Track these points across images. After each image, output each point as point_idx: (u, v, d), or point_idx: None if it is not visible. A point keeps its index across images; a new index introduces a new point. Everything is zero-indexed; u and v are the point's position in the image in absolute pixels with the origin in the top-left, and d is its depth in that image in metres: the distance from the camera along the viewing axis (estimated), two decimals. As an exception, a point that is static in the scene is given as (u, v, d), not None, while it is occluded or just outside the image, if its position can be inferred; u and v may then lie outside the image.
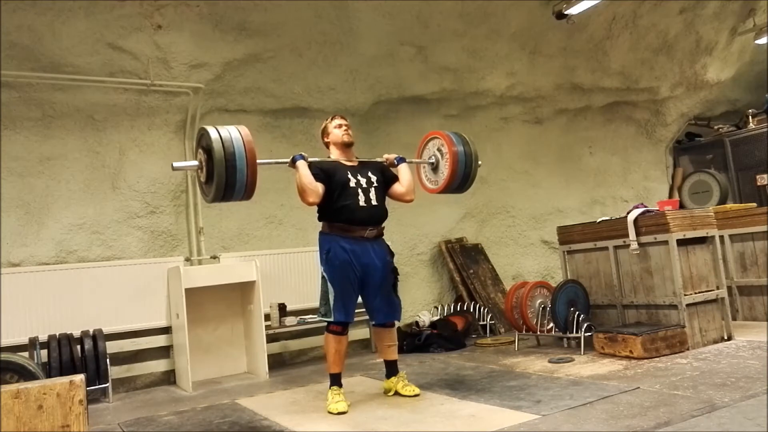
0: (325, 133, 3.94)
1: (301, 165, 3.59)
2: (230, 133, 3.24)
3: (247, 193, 3.28)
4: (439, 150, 4.03)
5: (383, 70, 5.98)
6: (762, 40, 7.31)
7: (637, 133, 8.17)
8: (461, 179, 3.98)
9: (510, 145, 7.18)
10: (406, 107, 6.42)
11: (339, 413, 3.47)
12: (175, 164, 3.47)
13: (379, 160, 3.95)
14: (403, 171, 3.91)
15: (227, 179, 3.18)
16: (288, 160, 3.63)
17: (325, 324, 3.74)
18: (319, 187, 3.60)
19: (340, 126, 3.87)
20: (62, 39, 4.67)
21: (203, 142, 3.30)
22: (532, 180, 7.33)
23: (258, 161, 3.26)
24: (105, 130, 5.10)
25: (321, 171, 3.66)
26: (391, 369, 3.89)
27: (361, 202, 3.68)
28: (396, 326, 3.94)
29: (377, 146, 6.34)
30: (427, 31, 5.87)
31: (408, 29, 5.77)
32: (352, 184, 3.70)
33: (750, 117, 8.03)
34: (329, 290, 3.65)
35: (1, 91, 4.66)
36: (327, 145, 3.94)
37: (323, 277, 3.70)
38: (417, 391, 3.75)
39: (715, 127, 8.40)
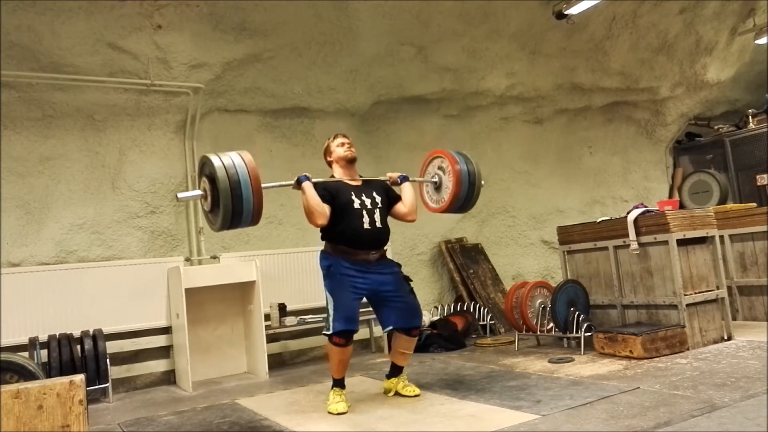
0: (327, 152, 3.89)
1: (308, 186, 3.54)
2: (233, 161, 3.17)
3: (254, 219, 3.25)
4: (441, 168, 4.01)
5: (383, 70, 5.98)
6: (762, 40, 7.31)
7: (637, 133, 8.17)
8: (465, 198, 3.96)
9: (510, 145, 7.18)
10: (406, 107, 6.42)
11: (339, 413, 3.48)
12: (180, 195, 3.42)
13: (382, 178, 3.91)
14: (407, 190, 3.86)
15: (234, 208, 3.13)
16: (293, 182, 3.58)
17: (328, 335, 3.67)
18: (327, 209, 3.57)
19: (342, 144, 3.82)
20: (62, 39, 4.67)
21: (206, 171, 3.24)
22: (532, 180, 7.33)
23: (263, 186, 3.22)
24: (105, 130, 5.10)
25: (326, 191, 3.63)
26: (395, 371, 3.87)
27: (366, 225, 3.63)
28: (417, 338, 3.83)
29: (377, 146, 6.36)
30: (427, 31, 5.87)
31: (408, 29, 5.77)
32: (357, 205, 3.65)
33: (750, 117, 8.03)
34: (329, 300, 3.62)
35: (1, 91, 4.66)
36: (330, 164, 3.90)
37: (325, 289, 3.67)
38: (417, 391, 3.75)
39: (715, 127, 8.39)
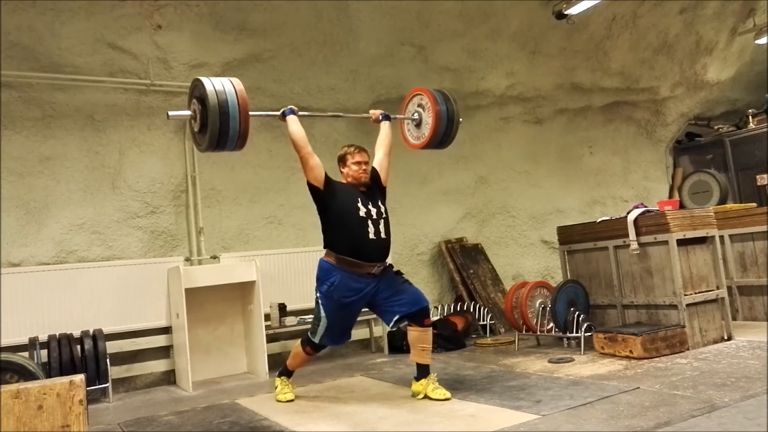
0: (342, 161, 3.85)
1: (291, 120, 3.70)
2: (224, 85, 3.35)
3: (240, 141, 3.39)
4: (421, 106, 4.11)
5: (383, 70, 5.98)
6: (762, 40, 7.31)
7: (637, 133, 8.17)
8: (443, 136, 4.06)
9: (510, 145, 7.18)
10: (406, 107, 6.42)
11: (288, 401, 3.82)
12: (171, 113, 3.56)
13: (365, 115, 4.11)
14: (385, 129, 4.00)
15: (221, 126, 3.29)
16: (278, 113, 3.76)
17: (306, 338, 3.82)
18: (310, 150, 3.66)
19: (359, 164, 3.78)
20: (62, 39, 4.67)
21: (197, 92, 3.40)
22: (532, 180, 7.33)
23: (251, 113, 3.40)
24: (105, 130, 5.10)
25: (330, 178, 3.69)
26: (421, 372, 3.72)
27: (371, 234, 3.62)
28: (431, 328, 3.74)
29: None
30: (427, 31, 5.87)
31: (408, 29, 5.77)
32: (362, 213, 3.64)
33: (750, 117, 8.04)
34: (321, 317, 3.67)
35: (1, 91, 4.66)
36: (341, 171, 3.88)
37: (317, 301, 3.70)
38: (448, 395, 3.56)
39: (715, 127, 8.40)
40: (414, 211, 6.48)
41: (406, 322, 3.75)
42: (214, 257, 5.33)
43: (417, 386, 3.70)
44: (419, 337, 3.69)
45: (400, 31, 5.75)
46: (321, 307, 3.66)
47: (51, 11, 4.53)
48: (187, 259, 5.26)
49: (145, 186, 5.21)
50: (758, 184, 7.66)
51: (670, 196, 8.16)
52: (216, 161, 5.55)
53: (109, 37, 4.80)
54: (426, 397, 3.61)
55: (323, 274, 3.66)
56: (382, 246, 3.69)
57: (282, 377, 3.96)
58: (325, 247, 3.74)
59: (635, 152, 8.16)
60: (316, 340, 3.72)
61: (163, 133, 5.31)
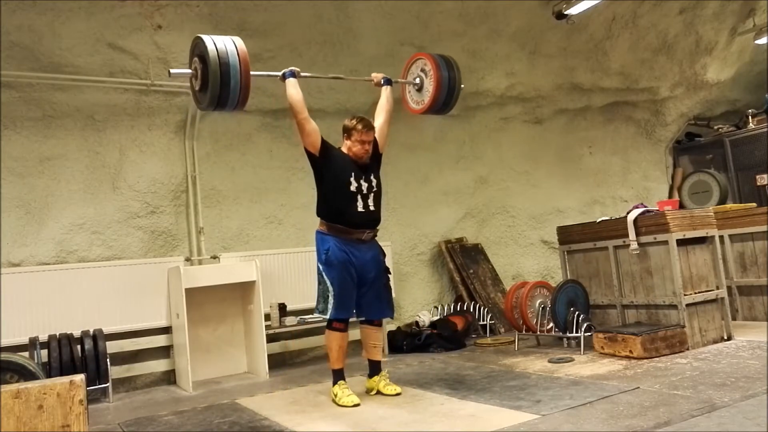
0: (347, 132, 3.84)
1: (289, 84, 3.70)
2: (224, 41, 3.38)
3: (242, 98, 3.39)
4: (423, 71, 4.11)
5: (383, 71, 5.94)
6: (762, 40, 7.31)
7: (636, 133, 8.17)
8: (443, 103, 4.09)
9: (510, 145, 7.19)
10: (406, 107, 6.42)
11: (354, 405, 3.56)
12: (173, 71, 3.58)
13: (366, 79, 4.09)
14: (386, 93, 4.01)
15: (222, 78, 3.29)
16: (279, 73, 3.75)
17: (327, 322, 3.79)
18: (307, 114, 3.69)
19: (363, 143, 3.79)
20: (62, 39, 4.67)
21: (197, 50, 3.40)
22: (532, 180, 7.33)
23: (252, 73, 3.43)
24: (105, 130, 5.10)
25: (327, 145, 3.75)
26: (374, 369, 3.94)
27: (359, 208, 3.73)
28: (382, 326, 3.99)
29: (377, 146, 6.35)
30: (427, 31, 5.87)
31: (408, 29, 5.77)
32: (353, 188, 3.73)
33: (750, 117, 8.03)
34: (328, 288, 3.69)
35: (1, 91, 4.66)
36: (344, 141, 3.88)
37: (320, 274, 3.74)
38: (399, 390, 3.79)
39: (715, 127, 8.39)
40: (414, 211, 6.48)
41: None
42: (214, 257, 5.33)
43: (370, 383, 3.91)
44: (370, 334, 3.92)
45: (400, 31, 5.75)
46: (325, 277, 3.71)
47: (51, 11, 4.54)
48: (188, 259, 5.26)
49: (146, 186, 5.21)
50: (758, 184, 7.66)
51: (670, 196, 8.16)
52: (216, 161, 5.55)
53: (110, 37, 4.80)
54: (378, 392, 3.82)
55: (319, 243, 3.78)
56: (371, 217, 3.81)
57: (338, 383, 3.76)
58: (317, 215, 3.85)
59: (635, 152, 8.16)
60: (329, 315, 3.70)
61: (164, 133, 5.31)
